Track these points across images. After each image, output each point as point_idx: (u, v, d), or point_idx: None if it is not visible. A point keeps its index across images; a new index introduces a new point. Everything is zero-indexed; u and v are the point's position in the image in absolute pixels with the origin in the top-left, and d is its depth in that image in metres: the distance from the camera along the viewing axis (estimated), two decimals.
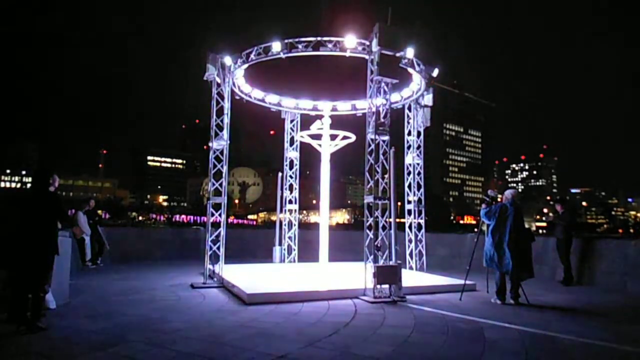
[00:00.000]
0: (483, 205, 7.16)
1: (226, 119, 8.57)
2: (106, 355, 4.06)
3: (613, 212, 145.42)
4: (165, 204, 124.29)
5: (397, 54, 7.52)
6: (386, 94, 7.42)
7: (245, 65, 8.77)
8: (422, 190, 10.12)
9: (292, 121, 11.55)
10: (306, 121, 11.31)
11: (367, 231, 7.16)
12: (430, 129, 10.41)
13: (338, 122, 10.82)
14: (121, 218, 74.36)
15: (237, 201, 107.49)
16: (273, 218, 59.73)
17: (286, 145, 11.53)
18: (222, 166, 8.47)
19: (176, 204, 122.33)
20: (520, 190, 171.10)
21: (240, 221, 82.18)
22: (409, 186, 10.19)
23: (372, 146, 7.31)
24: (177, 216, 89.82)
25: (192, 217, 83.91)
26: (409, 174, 10.22)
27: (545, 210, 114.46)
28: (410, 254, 9.94)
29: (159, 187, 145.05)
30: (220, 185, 8.46)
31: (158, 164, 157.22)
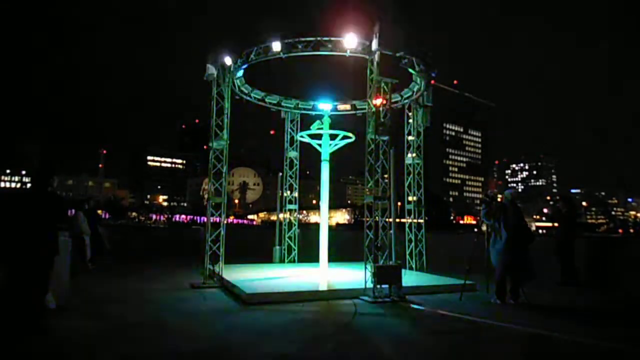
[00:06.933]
0: (483, 206, 7.16)
1: (226, 119, 8.56)
2: (105, 355, 4.06)
3: (613, 212, 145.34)
4: (165, 204, 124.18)
5: (397, 54, 7.52)
6: (386, 94, 7.42)
7: (245, 65, 8.78)
8: (422, 190, 10.12)
9: (292, 121, 11.55)
10: (306, 121, 11.32)
11: (367, 231, 7.16)
12: (430, 129, 10.41)
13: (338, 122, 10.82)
14: (121, 218, 74.24)
15: (237, 201, 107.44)
16: (273, 218, 59.69)
17: (286, 145, 11.53)
18: (222, 166, 8.47)
19: (176, 204, 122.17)
20: (520, 190, 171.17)
21: (240, 221, 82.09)
22: (409, 186, 10.19)
23: (372, 146, 7.31)
24: (177, 216, 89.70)
25: (192, 217, 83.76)
26: (409, 174, 10.22)
27: (545, 210, 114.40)
28: (410, 254, 9.94)
29: (159, 187, 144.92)
30: (220, 185, 8.46)
31: (158, 164, 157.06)
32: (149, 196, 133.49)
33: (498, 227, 6.71)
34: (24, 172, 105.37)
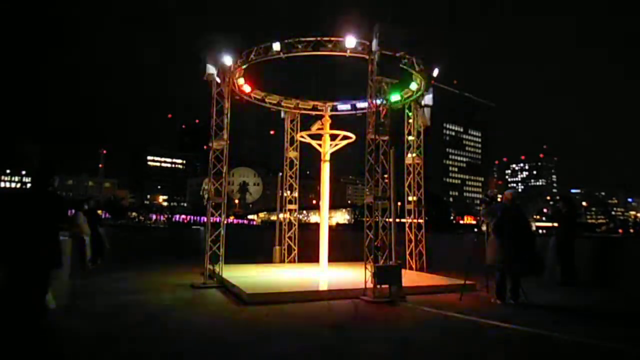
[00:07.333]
0: (483, 206, 7.16)
1: (226, 119, 8.56)
2: (106, 355, 4.06)
3: (613, 212, 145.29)
4: (165, 204, 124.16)
5: (397, 54, 7.53)
6: (386, 94, 7.42)
7: (245, 65, 8.78)
8: (422, 190, 10.12)
9: (292, 121, 11.55)
10: (306, 121, 11.33)
11: (367, 231, 7.16)
12: (430, 129, 10.41)
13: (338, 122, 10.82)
14: (121, 218, 74.26)
15: (237, 201, 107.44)
16: (273, 218, 59.65)
17: (286, 145, 11.53)
18: (222, 166, 8.47)
19: (176, 204, 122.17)
20: (520, 190, 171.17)
21: (240, 221, 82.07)
22: (409, 186, 10.19)
23: (372, 146, 7.31)
24: (177, 216, 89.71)
25: (192, 217, 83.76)
26: (409, 174, 10.22)
27: (545, 210, 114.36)
28: (410, 254, 9.94)
29: (159, 187, 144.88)
30: (220, 185, 8.46)
31: (158, 164, 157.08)
32: (149, 196, 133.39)
33: (498, 226, 6.71)
34: (24, 172, 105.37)
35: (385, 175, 7.46)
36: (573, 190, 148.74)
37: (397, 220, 7.77)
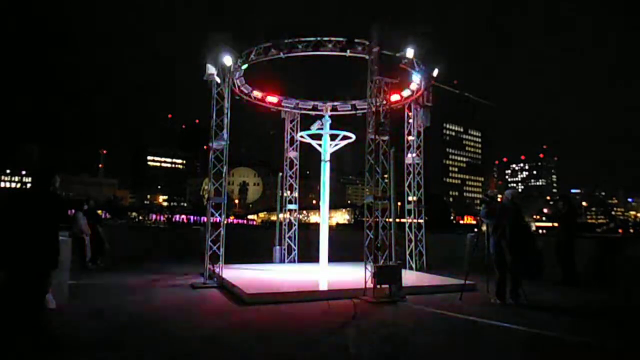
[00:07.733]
0: (483, 206, 7.16)
1: (226, 119, 8.56)
2: (106, 355, 4.06)
3: (613, 212, 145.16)
4: (165, 204, 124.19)
5: (397, 54, 7.53)
6: (386, 94, 7.43)
7: (245, 66, 8.78)
8: (422, 190, 10.12)
9: (292, 121, 11.55)
10: (306, 121, 11.33)
11: (367, 231, 7.16)
12: (430, 129, 10.41)
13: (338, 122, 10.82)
14: (121, 218, 74.24)
15: (237, 201, 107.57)
16: (273, 218, 59.69)
17: (286, 145, 11.54)
18: (222, 166, 8.48)
19: (176, 204, 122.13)
20: (520, 190, 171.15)
21: (240, 221, 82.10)
22: (409, 186, 10.19)
23: (372, 146, 7.31)
24: (177, 216, 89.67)
25: (192, 217, 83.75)
26: (409, 174, 10.22)
27: (545, 210, 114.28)
28: (410, 254, 9.94)
29: (159, 187, 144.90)
30: (220, 185, 8.46)
31: (158, 164, 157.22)
32: (149, 196, 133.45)
33: (498, 226, 6.71)
34: (24, 172, 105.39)
35: (385, 175, 7.46)
36: (573, 190, 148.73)
37: (397, 220, 7.76)
